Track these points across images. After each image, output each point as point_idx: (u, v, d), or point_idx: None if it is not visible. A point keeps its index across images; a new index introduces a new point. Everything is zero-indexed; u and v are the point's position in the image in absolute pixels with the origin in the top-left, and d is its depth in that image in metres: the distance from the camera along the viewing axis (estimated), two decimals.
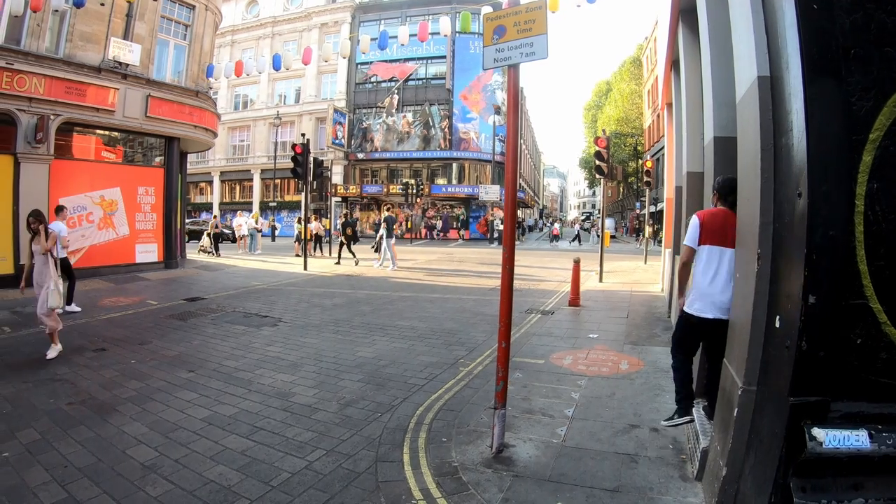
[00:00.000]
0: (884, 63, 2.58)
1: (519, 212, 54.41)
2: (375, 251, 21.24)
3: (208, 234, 25.05)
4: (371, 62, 47.19)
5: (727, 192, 4.15)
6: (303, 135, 21.68)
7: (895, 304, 2.58)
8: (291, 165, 19.12)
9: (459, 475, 4.22)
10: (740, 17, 3.50)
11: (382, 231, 20.06)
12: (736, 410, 3.25)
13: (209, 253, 24.25)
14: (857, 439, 2.48)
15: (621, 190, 69.18)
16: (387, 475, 4.24)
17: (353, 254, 21.51)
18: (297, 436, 4.95)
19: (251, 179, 51.95)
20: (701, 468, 4.03)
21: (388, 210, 22.08)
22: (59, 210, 11.19)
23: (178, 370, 6.88)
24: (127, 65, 15.90)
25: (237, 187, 53.95)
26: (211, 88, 21.22)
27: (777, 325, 2.95)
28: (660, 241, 26.74)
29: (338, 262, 21.39)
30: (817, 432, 2.49)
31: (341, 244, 21.57)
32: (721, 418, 3.69)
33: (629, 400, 5.95)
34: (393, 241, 20.27)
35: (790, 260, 2.82)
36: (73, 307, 10.65)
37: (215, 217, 28.44)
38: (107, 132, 16.46)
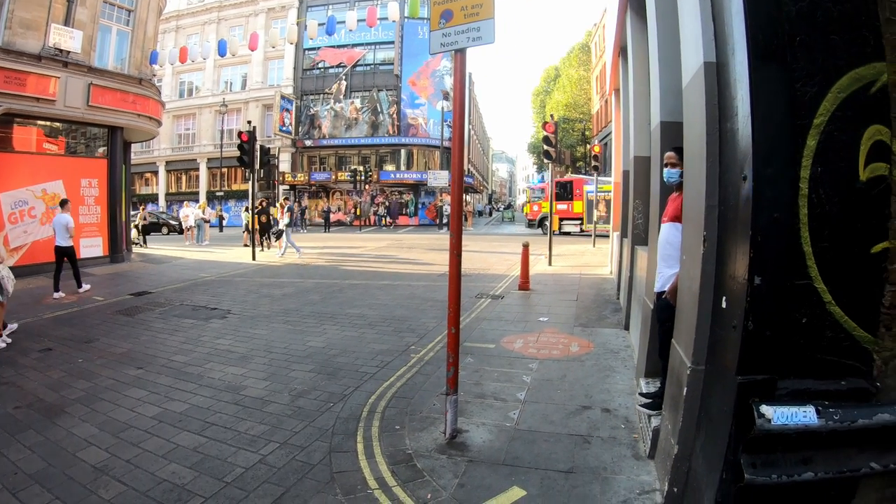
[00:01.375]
0: (829, 50, 2.65)
1: (468, 197, 54.58)
2: (276, 239, 21.77)
3: (136, 226, 24.20)
4: (319, 48, 46.30)
5: None
6: (249, 122, 21.14)
7: (839, 284, 2.66)
8: (238, 154, 18.65)
9: (414, 462, 4.23)
10: (687, 4, 3.55)
11: (286, 220, 20.26)
12: (685, 389, 3.33)
13: (136, 244, 23.42)
14: (804, 415, 2.56)
15: (570, 174, 70.00)
16: (341, 465, 4.21)
17: (262, 244, 21.40)
18: (249, 430, 4.87)
19: (197, 169, 50.33)
20: (653, 447, 4.13)
21: (286, 201, 22.23)
22: (64, 203, 12.30)
23: (126, 367, 6.67)
24: (68, 52, 15.12)
25: (183, 177, 52.19)
26: (155, 76, 20.46)
27: (723, 305, 3.01)
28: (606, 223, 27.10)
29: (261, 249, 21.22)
30: (765, 409, 2.56)
31: (253, 231, 20.23)
32: (671, 397, 3.78)
33: (580, 382, 6.04)
34: (291, 230, 20.89)
35: (735, 242, 2.88)
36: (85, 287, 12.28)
37: (142, 208, 27.46)
38: (48, 123, 15.67)
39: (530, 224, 36.83)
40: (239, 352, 7.33)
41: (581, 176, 35.72)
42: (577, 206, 32.08)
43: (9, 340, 7.81)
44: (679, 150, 4.22)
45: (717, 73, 3.15)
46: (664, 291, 4.27)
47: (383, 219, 45.13)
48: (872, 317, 2.71)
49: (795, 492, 2.69)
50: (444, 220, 39.63)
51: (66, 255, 12.06)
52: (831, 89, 2.62)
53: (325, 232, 37.62)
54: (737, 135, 2.87)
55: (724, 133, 3.08)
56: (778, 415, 2.54)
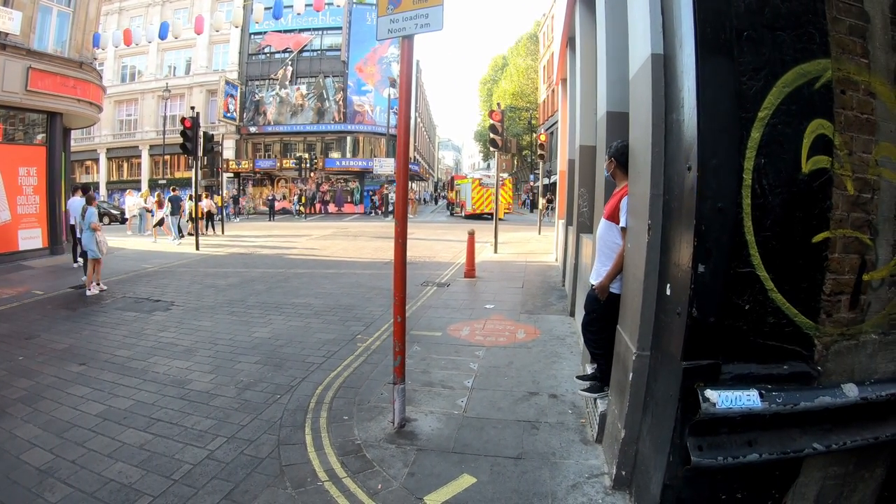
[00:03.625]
0: (775, 45, 2.73)
1: (413, 185, 54.48)
2: (157, 224, 21.92)
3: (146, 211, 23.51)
4: (265, 32, 45.35)
5: (625, 157, 4.12)
6: (192, 108, 20.47)
7: (782, 272, 2.76)
8: (181, 141, 18.06)
9: (363, 453, 4.20)
10: None
11: (166, 209, 20.33)
12: (631, 375, 3.40)
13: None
14: (748, 399, 2.65)
15: (516, 163, 70.46)
16: (290, 458, 4.15)
17: (176, 231, 20.96)
18: (196, 424, 4.75)
19: (139, 156, 48.28)
20: (600, 431, 4.21)
21: (173, 191, 21.81)
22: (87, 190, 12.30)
23: (68, 364, 6.38)
24: (6, 34, 14.21)
25: (125, 164, 49.93)
26: (96, 59, 19.53)
27: (668, 292, 3.09)
28: (553, 210, 27.55)
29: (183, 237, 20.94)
30: (710, 393, 2.64)
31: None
32: (617, 382, 3.86)
33: (527, 368, 6.12)
34: (177, 218, 21.01)
35: (680, 231, 2.95)
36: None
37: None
38: None
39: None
40: (183, 345, 7.13)
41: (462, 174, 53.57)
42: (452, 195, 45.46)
43: (104, 288, 10.93)
44: (619, 156, 4.28)
45: (664, 64, 3.19)
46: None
47: (325, 206, 44.52)
48: (814, 303, 2.83)
49: (741, 472, 2.79)
50: (390, 209, 39.42)
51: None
52: (777, 83, 2.70)
53: (269, 220, 36.89)
54: (682, 126, 2.92)
55: (670, 124, 3.13)
56: (722, 399, 2.62)
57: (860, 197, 2.87)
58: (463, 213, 38.34)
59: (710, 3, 2.73)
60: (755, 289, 2.74)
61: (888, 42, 2.95)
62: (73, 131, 19.67)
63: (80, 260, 12.97)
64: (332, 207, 45.10)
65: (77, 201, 13.05)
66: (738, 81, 2.69)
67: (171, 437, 4.52)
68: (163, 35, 15.18)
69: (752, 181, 2.69)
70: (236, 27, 21.96)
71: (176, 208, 20.89)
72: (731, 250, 2.72)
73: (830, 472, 3.01)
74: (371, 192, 45.21)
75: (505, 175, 37.67)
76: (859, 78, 2.86)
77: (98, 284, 10.89)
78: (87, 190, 12.38)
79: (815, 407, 2.73)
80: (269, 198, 41.94)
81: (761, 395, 2.66)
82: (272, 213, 40.06)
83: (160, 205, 21.19)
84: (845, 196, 2.83)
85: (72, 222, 12.13)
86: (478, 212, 35.76)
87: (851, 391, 2.81)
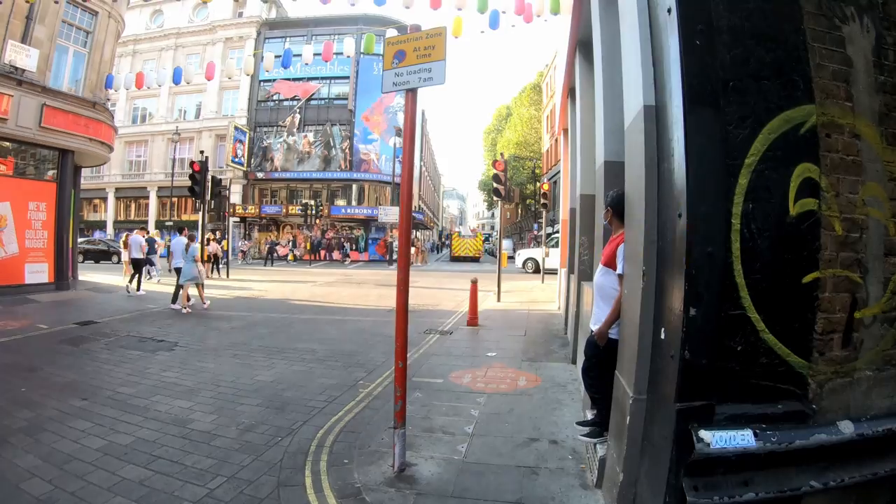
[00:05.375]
0: (760, 94, 2.85)
1: (418, 233, 54.79)
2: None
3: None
4: (274, 80, 46.24)
5: (622, 206, 4.22)
6: (202, 152, 20.90)
7: (773, 313, 2.82)
8: (189, 183, 18.35)
9: (363, 496, 4.18)
10: (630, 50, 3.73)
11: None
12: (628, 419, 3.42)
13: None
14: (742, 438, 2.67)
15: (520, 211, 71.00)
16: (289, 499, 4.13)
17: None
18: (196, 463, 4.74)
19: (147, 197, 48.99)
20: (600, 476, 4.20)
21: (142, 232, 21.25)
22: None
23: (71, 398, 6.40)
24: (23, 70, 14.69)
25: (133, 205, 50.66)
26: (109, 100, 20.04)
27: (662, 336, 3.13)
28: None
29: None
30: (704, 434, 2.66)
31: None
32: (615, 427, 3.87)
33: (528, 415, 6.10)
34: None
35: (672, 276, 3.02)
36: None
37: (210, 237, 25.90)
38: None
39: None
40: (186, 385, 7.14)
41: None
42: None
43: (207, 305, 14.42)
44: (615, 205, 4.40)
45: (656, 115, 3.30)
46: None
47: (329, 253, 44.51)
48: (806, 343, 2.88)
49: None
50: (395, 257, 39.52)
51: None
52: (762, 130, 2.81)
53: (265, 266, 36.64)
54: (673, 174, 3.02)
55: (662, 173, 3.22)
56: (717, 439, 2.64)
57: (848, 237, 2.96)
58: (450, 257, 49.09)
59: (697, 55, 2.85)
60: (747, 330, 2.79)
61: (871, 84, 3.08)
62: (83, 169, 19.98)
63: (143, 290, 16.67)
64: (336, 255, 45.19)
65: (181, 239, 14.96)
66: (725, 130, 2.80)
67: (171, 474, 4.52)
68: (176, 80, 15.56)
69: (741, 225, 2.77)
70: (247, 75, 22.43)
71: (151, 251, 20.11)
72: (722, 293, 2.78)
73: None
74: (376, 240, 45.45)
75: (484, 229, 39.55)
76: (844, 121, 2.97)
77: (204, 302, 14.34)
78: (183, 230, 15.22)
79: (810, 445, 2.75)
80: (270, 243, 41.64)
81: (756, 435, 2.68)
82: (270, 258, 38.91)
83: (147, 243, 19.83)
84: (833, 236, 2.92)
85: (163, 254, 14.05)
86: (457, 254, 46.75)
87: (847, 428, 2.84)
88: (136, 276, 17.32)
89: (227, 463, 4.78)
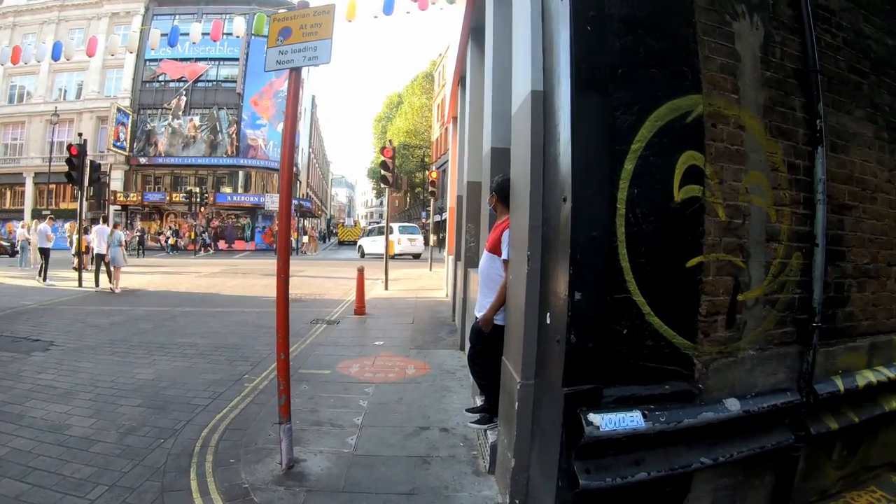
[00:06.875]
0: (648, 82, 2.91)
1: (306, 222, 53.69)
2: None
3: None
4: (160, 59, 43.11)
5: (507, 191, 4.26)
6: (80, 135, 19.00)
7: (658, 296, 2.89)
8: (66, 169, 16.89)
9: (251, 496, 3.98)
10: (521, 36, 3.73)
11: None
12: (517, 404, 3.43)
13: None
14: (631, 420, 2.73)
15: (408, 199, 71.02)
16: None
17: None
18: (75, 472, 4.32)
19: (23, 184, 44.31)
20: (492, 462, 4.21)
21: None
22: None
23: None
24: None
25: (7, 192, 45.46)
26: None
27: (548, 321, 3.16)
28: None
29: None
30: (593, 417, 2.69)
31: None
32: (504, 412, 3.89)
33: (417, 403, 6.07)
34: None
35: (557, 260, 3.04)
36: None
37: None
38: None
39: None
40: (62, 387, 6.55)
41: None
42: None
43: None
44: (500, 190, 4.43)
45: (543, 101, 3.32)
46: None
47: (209, 245, 41.46)
48: (691, 325, 2.98)
49: (632, 492, 2.84)
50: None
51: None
52: (649, 117, 2.86)
53: (137, 256, 33.86)
54: (559, 159, 3.03)
55: (548, 158, 3.24)
56: (605, 421, 2.68)
57: (731, 222, 3.09)
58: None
59: (587, 42, 2.86)
60: (632, 313, 2.84)
61: (758, 79, 3.23)
62: None
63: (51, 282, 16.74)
64: (221, 244, 43.32)
65: (104, 227, 16.58)
66: (613, 116, 2.83)
67: (49, 486, 4.09)
68: (55, 55, 14.25)
69: (626, 210, 2.81)
70: (131, 52, 20.92)
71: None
72: (607, 277, 2.81)
73: (721, 483, 3.15)
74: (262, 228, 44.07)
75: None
76: (730, 112, 3.10)
77: (116, 288, 15.37)
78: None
79: (698, 423, 2.86)
80: (139, 232, 38.85)
81: (644, 416, 2.74)
82: (141, 248, 36.14)
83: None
84: (717, 222, 3.04)
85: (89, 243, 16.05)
86: (343, 239, 56.11)
87: (734, 405, 2.98)
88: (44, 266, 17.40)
89: (108, 470, 4.40)
